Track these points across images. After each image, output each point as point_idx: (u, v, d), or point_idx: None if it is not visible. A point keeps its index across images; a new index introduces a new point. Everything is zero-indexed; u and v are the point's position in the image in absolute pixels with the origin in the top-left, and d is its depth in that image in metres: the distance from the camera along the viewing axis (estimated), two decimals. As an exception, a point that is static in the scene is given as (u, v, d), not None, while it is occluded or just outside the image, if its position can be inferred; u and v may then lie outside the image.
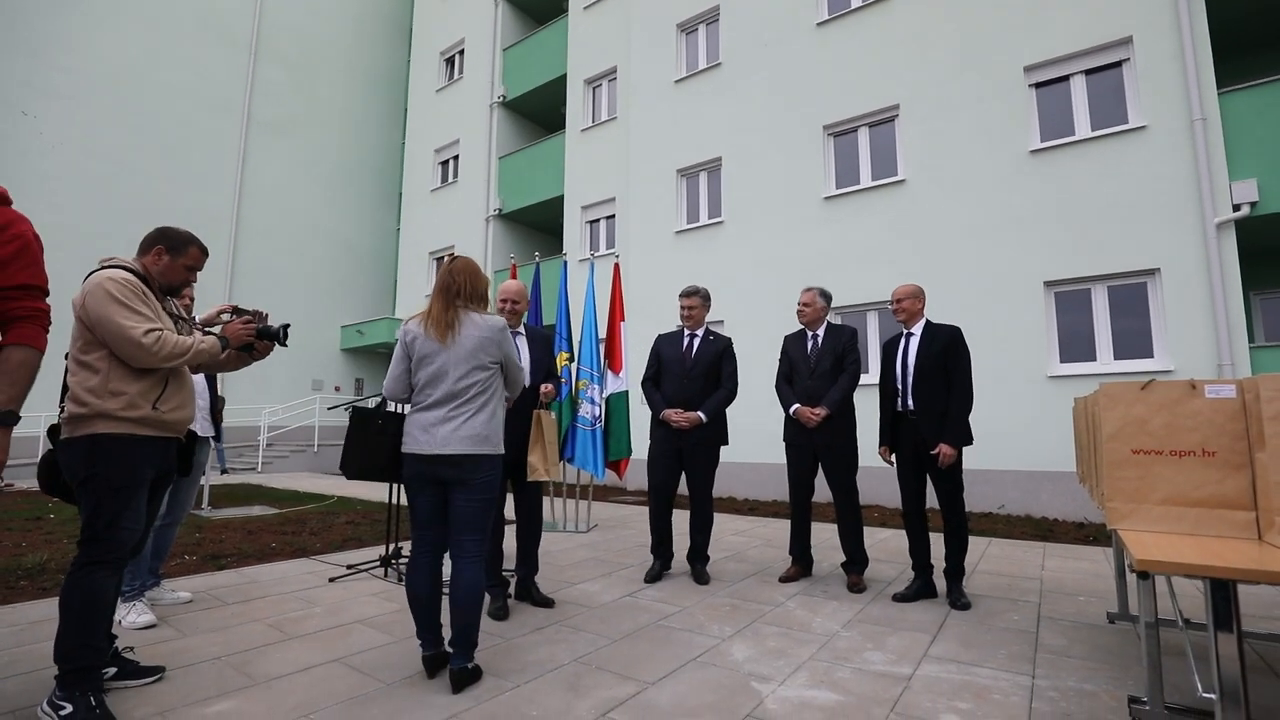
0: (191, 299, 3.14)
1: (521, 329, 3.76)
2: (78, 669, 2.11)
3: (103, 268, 2.32)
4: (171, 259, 2.47)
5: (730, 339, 4.39)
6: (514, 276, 7.32)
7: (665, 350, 4.35)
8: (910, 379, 3.73)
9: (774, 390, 4.30)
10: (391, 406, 3.44)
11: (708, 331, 4.35)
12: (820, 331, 4.21)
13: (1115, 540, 2.96)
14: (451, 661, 2.47)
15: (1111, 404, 1.99)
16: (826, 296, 4.28)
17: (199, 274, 2.61)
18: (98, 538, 2.19)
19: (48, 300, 1.97)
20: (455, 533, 2.53)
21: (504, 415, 2.71)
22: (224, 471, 12.82)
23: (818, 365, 4.13)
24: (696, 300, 4.31)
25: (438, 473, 2.51)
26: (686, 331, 4.35)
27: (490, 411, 2.59)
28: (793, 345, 4.31)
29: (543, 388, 3.68)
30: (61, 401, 2.31)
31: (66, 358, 2.30)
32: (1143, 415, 1.94)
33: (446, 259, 2.75)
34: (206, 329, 2.64)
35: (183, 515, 3.62)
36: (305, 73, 17.94)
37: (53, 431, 2.32)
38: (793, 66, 9.81)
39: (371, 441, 3.14)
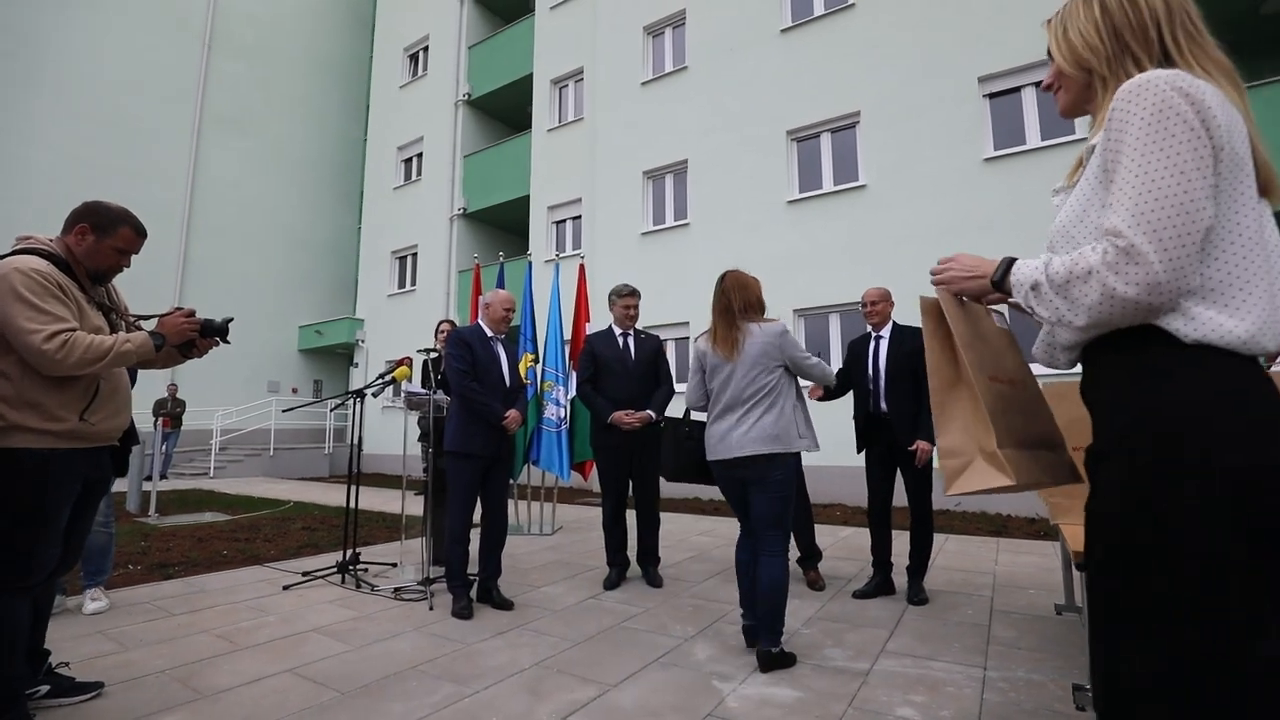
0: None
1: (502, 336, 3.83)
2: None
3: (15, 252, 2.05)
4: (98, 239, 2.15)
5: (660, 337, 4.49)
6: (477, 277, 7.23)
7: (602, 350, 4.27)
8: (883, 381, 3.79)
9: None
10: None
11: (637, 330, 4.37)
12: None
13: (1060, 534, 3.07)
14: (760, 644, 2.71)
15: (1057, 402, 2.04)
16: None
17: (135, 259, 2.30)
18: (9, 563, 1.96)
19: None
20: (758, 529, 2.76)
21: (796, 411, 2.82)
22: (163, 477, 12.31)
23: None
24: (638, 300, 4.36)
25: (737, 475, 2.80)
26: (619, 331, 4.33)
27: (779, 410, 2.74)
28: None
29: (512, 414, 3.66)
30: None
31: None
32: (1083, 414, 2.00)
33: (719, 278, 2.93)
34: (139, 321, 2.35)
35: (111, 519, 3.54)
36: (262, 65, 17.44)
37: None
38: (757, 72, 9.93)
39: (682, 446, 3.38)
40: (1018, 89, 7.98)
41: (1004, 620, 3.33)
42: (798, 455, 2.88)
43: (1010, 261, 1.09)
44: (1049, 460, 1.23)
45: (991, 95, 8.11)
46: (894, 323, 3.90)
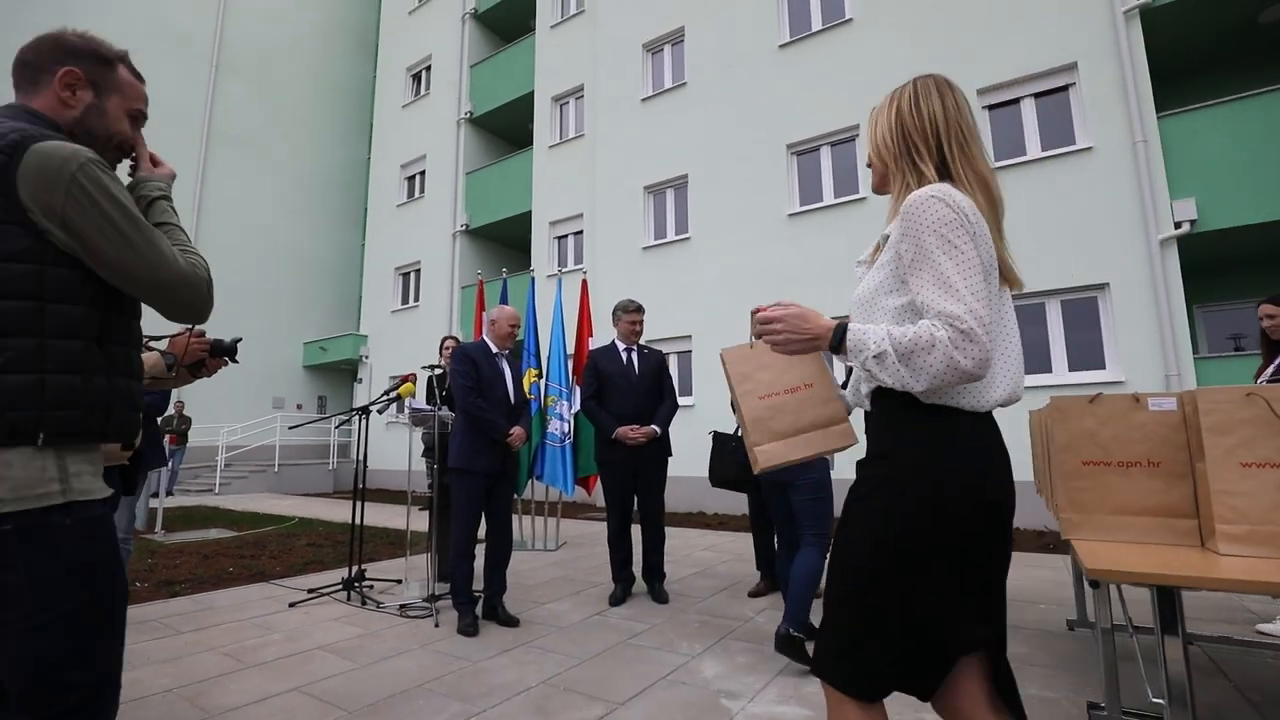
0: None
1: (506, 351, 3.86)
2: None
3: None
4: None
5: (663, 352, 4.53)
6: (480, 293, 7.27)
7: (606, 366, 4.28)
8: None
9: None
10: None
11: (640, 345, 4.38)
12: None
13: (1071, 549, 3.05)
14: (780, 626, 2.91)
15: (1062, 417, 2.06)
16: None
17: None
18: None
19: None
20: (800, 526, 3.10)
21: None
22: (169, 493, 12.33)
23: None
24: (643, 316, 4.37)
25: (776, 478, 3.13)
26: (622, 346, 4.33)
27: None
28: None
29: (516, 431, 3.68)
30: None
31: None
32: (1092, 428, 2.01)
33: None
34: (150, 341, 2.36)
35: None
36: (267, 86, 17.66)
37: None
38: (756, 87, 10.02)
39: (726, 459, 3.92)
40: (1017, 100, 8.04)
41: (1015, 635, 3.30)
42: (824, 460, 3.10)
43: (844, 329, 1.26)
44: (816, 438, 1.65)
45: (991, 107, 8.17)
46: None
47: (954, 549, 1.21)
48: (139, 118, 1.46)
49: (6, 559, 1.06)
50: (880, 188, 1.43)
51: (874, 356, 1.19)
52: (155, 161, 1.50)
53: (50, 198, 1.13)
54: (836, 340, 1.27)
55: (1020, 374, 1.30)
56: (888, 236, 1.30)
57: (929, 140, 1.28)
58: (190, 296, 1.29)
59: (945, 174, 1.27)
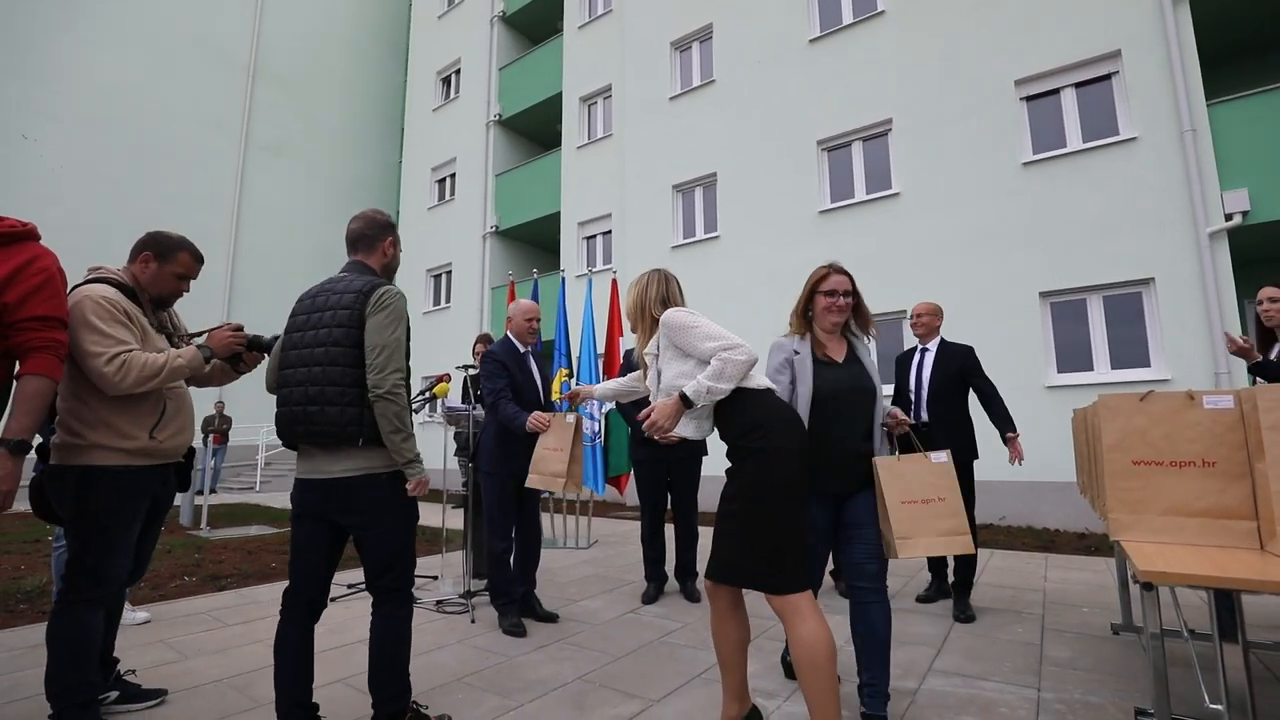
0: None
1: (531, 347, 3.86)
2: (73, 704, 2.05)
3: (86, 282, 2.21)
4: (160, 266, 2.31)
5: None
6: (512, 294, 7.35)
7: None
8: (925, 393, 3.82)
9: None
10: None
11: None
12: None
13: (1118, 551, 2.96)
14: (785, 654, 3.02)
15: (1111, 415, 2.01)
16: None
17: (192, 283, 2.45)
18: (84, 575, 2.09)
19: (67, 331, 1.96)
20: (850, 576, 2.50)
21: None
22: (213, 491, 12.70)
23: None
24: None
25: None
26: None
27: None
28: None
29: (535, 415, 3.40)
30: (50, 424, 2.21)
31: None
32: (1142, 426, 1.95)
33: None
34: (190, 338, 2.47)
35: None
36: (302, 94, 18.09)
37: (42, 451, 2.22)
38: (786, 83, 9.93)
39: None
40: (1056, 91, 7.82)
41: (1057, 639, 3.22)
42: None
43: (684, 394, 2.09)
44: (953, 541, 2.23)
45: (1029, 98, 7.96)
46: (941, 338, 3.94)
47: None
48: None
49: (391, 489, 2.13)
50: (634, 329, 2.49)
51: (705, 392, 2.05)
52: None
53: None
54: (686, 401, 2.10)
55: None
56: (659, 344, 2.32)
57: (647, 306, 2.40)
58: None
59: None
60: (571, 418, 3.25)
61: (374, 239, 2.28)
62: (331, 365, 2.05)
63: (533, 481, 3.21)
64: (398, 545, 2.15)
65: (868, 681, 2.27)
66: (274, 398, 2.25)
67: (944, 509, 2.18)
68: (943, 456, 2.26)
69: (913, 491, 2.18)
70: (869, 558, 2.28)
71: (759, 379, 2.15)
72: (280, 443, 2.55)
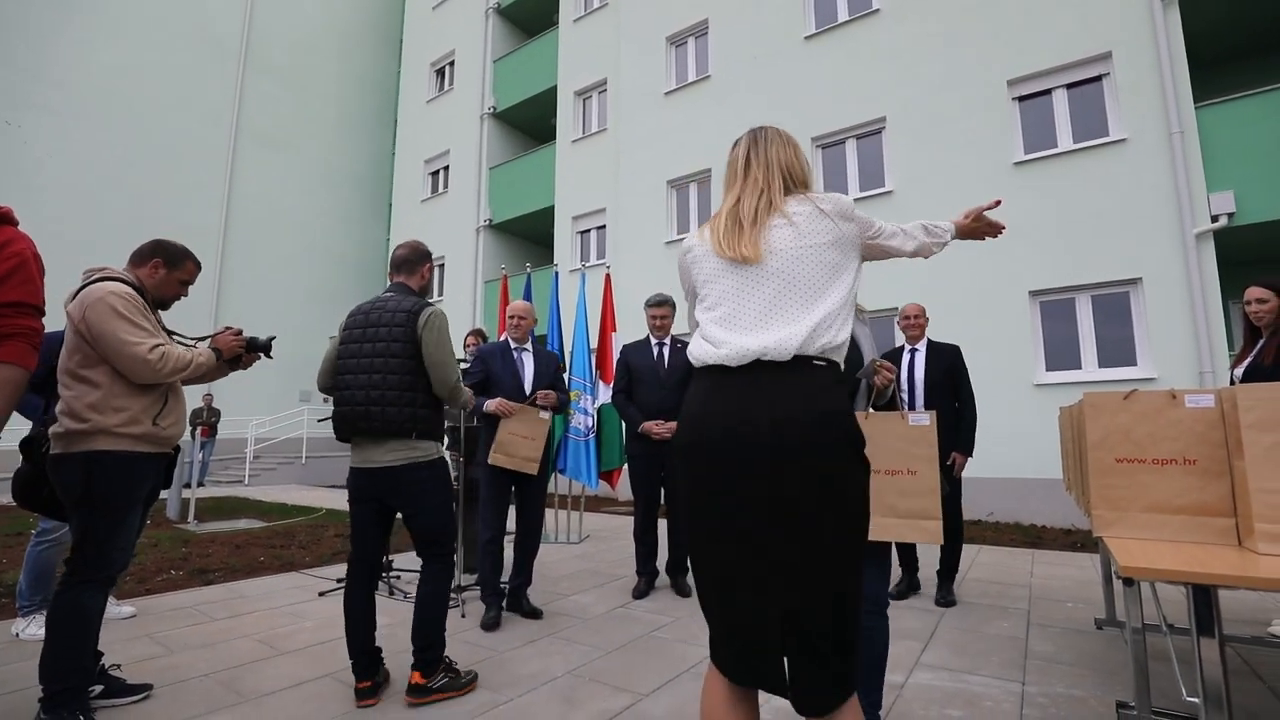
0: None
1: (528, 345, 3.88)
2: (66, 689, 2.09)
3: (99, 280, 2.28)
4: (168, 272, 2.48)
5: None
6: (505, 288, 7.33)
7: (636, 361, 4.28)
8: (919, 392, 3.87)
9: None
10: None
11: (674, 340, 4.34)
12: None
13: (1101, 547, 3.00)
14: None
15: (1096, 413, 2.03)
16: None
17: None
18: (90, 557, 2.16)
19: (42, 319, 1.93)
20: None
21: None
22: (200, 484, 12.64)
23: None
24: (669, 309, 4.31)
25: None
26: (654, 341, 4.31)
27: None
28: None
29: (540, 393, 3.70)
30: (44, 414, 2.27)
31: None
32: (1126, 424, 1.98)
33: None
34: (197, 341, 2.63)
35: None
36: (295, 83, 17.92)
37: (26, 445, 2.28)
38: (781, 79, 9.93)
39: None
40: (1048, 91, 7.86)
41: (1042, 634, 3.26)
42: None
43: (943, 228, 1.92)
44: (916, 526, 1.81)
45: (1021, 98, 8.01)
46: (928, 338, 4.01)
47: None
48: None
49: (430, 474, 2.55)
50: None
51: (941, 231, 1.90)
52: None
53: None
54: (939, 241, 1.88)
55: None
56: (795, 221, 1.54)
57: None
58: None
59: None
60: (546, 415, 3.65)
61: (415, 264, 2.79)
62: (390, 373, 2.47)
63: (495, 459, 3.52)
64: (439, 521, 2.55)
65: (862, 695, 2.10)
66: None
67: (913, 485, 1.79)
68: (924, 418, 1.85)
69: (879, 458, 1.72)
70: (873, 580, 1.92)
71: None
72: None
